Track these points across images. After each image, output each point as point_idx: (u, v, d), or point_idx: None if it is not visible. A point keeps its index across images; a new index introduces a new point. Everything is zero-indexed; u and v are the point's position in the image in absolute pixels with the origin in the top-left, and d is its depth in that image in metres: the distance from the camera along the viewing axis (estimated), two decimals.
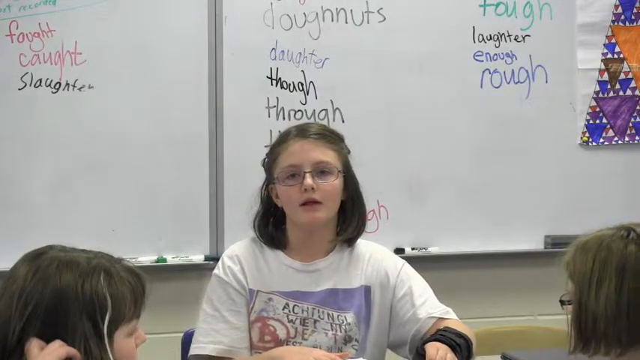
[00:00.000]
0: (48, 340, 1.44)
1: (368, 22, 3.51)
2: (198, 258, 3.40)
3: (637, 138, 3.73)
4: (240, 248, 2.28)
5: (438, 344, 2.06)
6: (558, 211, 3.65)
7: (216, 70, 3.40)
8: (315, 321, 2.20)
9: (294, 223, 2.23)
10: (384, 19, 3.52)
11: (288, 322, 2.19)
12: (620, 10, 3.69)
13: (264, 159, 2.28)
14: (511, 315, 3.60)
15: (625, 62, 3.70)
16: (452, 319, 2.23)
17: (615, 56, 3.69)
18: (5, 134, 3.29)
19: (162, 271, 3.36)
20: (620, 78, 3.69)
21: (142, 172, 3.36)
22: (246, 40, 3.42)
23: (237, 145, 3.41)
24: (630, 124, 3.72)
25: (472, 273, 3.65)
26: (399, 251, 3.39)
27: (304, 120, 3.43)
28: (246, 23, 3.42)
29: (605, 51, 3.69)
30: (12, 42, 3.28)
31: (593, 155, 3.70)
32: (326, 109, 3.49)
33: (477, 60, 3.60)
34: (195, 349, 2.20)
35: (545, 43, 3.64)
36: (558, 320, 3.29)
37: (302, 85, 3.47)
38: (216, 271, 2.26)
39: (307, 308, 2.21)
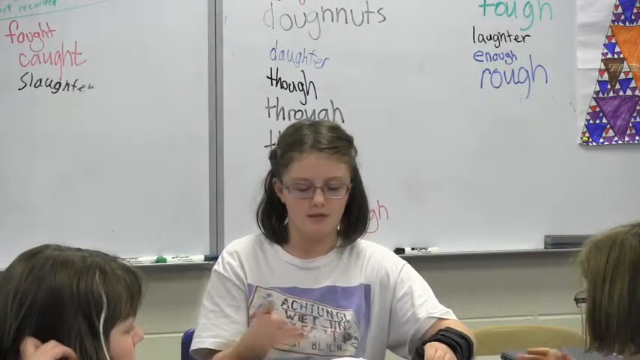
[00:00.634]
0: (44, 339, 1.44)
1: (368, 22, 3.51)
2: (198, 258, 3.40)
3: (637, 138, 3.73)
4: (239, 244, 2.30)
5: (437, 344, 2.06)
6: (558, 211, 3.65)
7: (216, 70, 3.40)
8: (315, 317, 2.20)
9: (298, 228, 2.24)
10: (384, 19, 3.52)
11: (287, 317, 2.19)
12: (620, 10, 3.69)
13: (273, 152, 2.26)
14: (511, 315, 3.60)
15: (625, 62, 3.70)
16: (452, 319, 2.23)
17: (615, 56, 3.69)
18: (5, 134, 3.29)
19: (162, 271, 3.37)
20: (620, 78, 3.69)
21: (142, 172, 3.36)
22: (246, 40, 3.42)
23: (237, 145, 3.41)
24: (630, 124, 3.72)
25: (472, 273, 3.65)
26: (399, 251, 3.38)
27: None
28: (246, 23, 3.42)
29: (605, 51, 3.68)
30: (12, 42, 3.28)
31: (593, 155, 3.70)
32: (326, 109, 3.49)
33: (476, 60, 3.60)
34: (195, 344, 2.22)
35: (545, 43, 3.64)
36: (558, 320, 3.30)
37: (302, 85, 3.47)
38: (215, 266, 2.28)
39: (306, 304, 2.21)
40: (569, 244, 3.52)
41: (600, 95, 3.68)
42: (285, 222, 2.29)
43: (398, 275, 2.26)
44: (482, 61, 3.60)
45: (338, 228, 2.28)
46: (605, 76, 3.68)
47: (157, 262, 3.37)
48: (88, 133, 3.33)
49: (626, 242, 1.65)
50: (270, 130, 3.41)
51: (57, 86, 3.31)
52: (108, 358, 1.47)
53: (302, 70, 3.47)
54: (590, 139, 3.69)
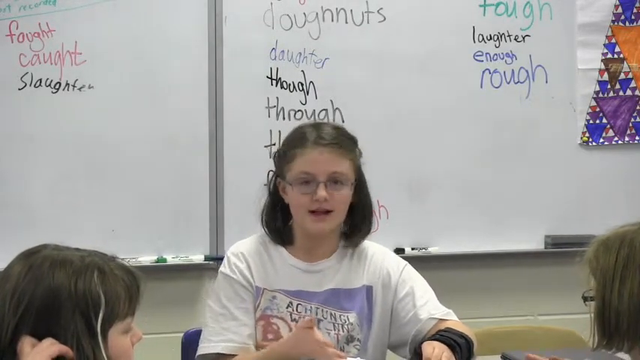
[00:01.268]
0: (41, 339, 1.44)
1: (368, 22, 3.51)
2: (198, 258, 3.39)
3: (637, 138, 3.73)
4: (244, 245, 2.29)
5: (435, 343, 2.06)
6: (558, 211, 3.65)
7: (216, 70, 3.40)
8: (319, 320, 2.20)
9: (300, 226, 2.24)
10: (384, 19, 3.52)
11: (292, 320, 2.20)
12: (620, 10, 3.69)
13: (277, 152, 2.27)
14: (511, 315, 3.60)
15: (625, 62, 3.70)
16: (453, 320, 2.22)
17: (615, 56, 3.69)
18: (5, 134, 3.28)
19: (162, 271, 3.36)
20: (620, 78, 3.69)
21: (142, 172, 3.36)
22: (246, 40, 3.42)
23: (237, 145, 3.41)
24: (630, 124, 3.72)
25: (472, 273, 3.65)
26: (399, 251, 3.38)
27: (304, 120, 3.43)
28: (246, 23, 3.42)
29: (605, 51, 3.69)
30: (12, 42, 3.28)
31: (593, 155, 3.70)
32: (326, 109, 3.49)
33: (477, 60, 3.60)
34: (205, 349, 2.20)
35: (545, 43, 3.64)
36: (558, 320, 3.30)
37: (302, 85, 3.47)
38: (222, 268, 2.26)
39: (311, 308, 2.21)
40: (569, 244, 3.53)
41: (600, 95, 3.68)
42: (290, 224, 2.28)
43: (399, 276, 2.26)
44: (482, 61, 3.60)
45: (341, 230, 2.27)
46: (605, 76, 3.68)
47: (157, 262, 3.37)
48: (88, 133, 3.33)
49: (636, 241, 1.65)
50: (270, 130, 3.42)
51: (57, 86, 3.31)
52: (105, 357, 1.46)
53: (302, 70, 3.47)
54: (590, 139, 3.69)
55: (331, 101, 3.49)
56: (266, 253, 2.26)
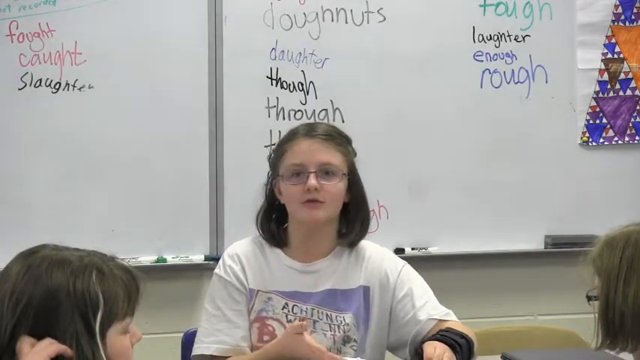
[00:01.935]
0: (40, 338, 1.44)
1: (368, 22, 3.51)
2: (198, 258, 3.40)
3: (637, 138, 3.73)
4: (240, 247, 2.28)
5: (436, 343, 2.05)
6: (558, 211, 3.65)
7: (216, 70, 3.40)
8: (315, 321, 2.20)
9: (295, 221, 2.23)
10: (384, 19, 3.52)
11: (287, 322, 2.19)
12: (620, 10, 3.69)
13: (270, 154, 2.28)
14: (511, 315, 3.60)
15: (625, 62, 3.70)
16: (453, 320, 2.22)
17: (615, 56, 3.69)
18: (5, 134, 3.29)
19: (162, 271, 3.37)
20: (620, 78, 3.69)
21: (142, 171, 3.36)
22: (246, 40, 3.42)
23: (237, 145, 3.41)
24: (630, 124, 3.72)
25: (472, 273, 3.65)
26: (399, 251, 3.39)
27: (304, 120, 3.44)
28: (246, 23, 3.42)
29: (605, 51, 3.69)
30: (12, 42, 3.28)
31: (593, 155, 3.70)
32: (326, 109, 3.49)
33: (477, 60, 3.60)
34: (198, 349, 2.21)
35: (545, 43, 3.64)
36: (558, 320, 3.30)
37: (302, 85, 3.47)
38: (217, 270, 2.26)
39: (306, 309, 2.21)
40: (569, 244, 3.53)
41: (600, 95, 3.68)
42: (285, 226, 2.27)
43: (398, 276, 2.25)
44: (482, 61, 3.60)
45: (337, 229, 2.27)
46: (605, 76, 3.68)
47: (157, 262, 3.37)
48: (88, 133, 3.33)
49: None
50: (270, 130, 3.42)
51: (57, 86, 3.31)
52: (104, 357, 1.46)
53: (302, 70, 3.47)
54: (590, 139, 3.69)
55: (331, 101, 3.49)
56: (262, 254, 2.26)
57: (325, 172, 2.17)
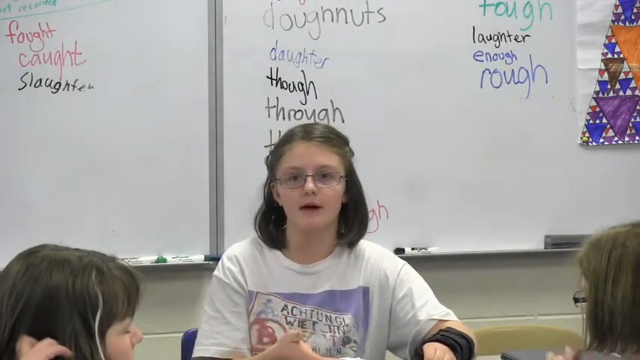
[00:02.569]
0: (39, 338, 1.44)
1: (368, 22, 3.51)
2: (198, 258, 3.40)
3: (637, 138, 3.73)
4: (239, 249, 2.28)
5: (437, 344, 2.05)
6: (558, 211, 3.65)
7: (216, 70, 3.40)
8: (314, 323, 2.20)
9: (293, 224, 2.23)
10: (384, 19, 3.52)
11: (287, 323, 2.19)
12: (620, 10, 3.69)
13: (268, 156, 2.28)
14: (511, 315, 3.60)
15: (625, 62, 3.70)
16: (453, 320, 2.22)
17: (615, 56, 3.69)
18: (5, 134, 3.29)
19: (162, 271, 3.37)
20: (620, 78, 3.69)
21: (142, 171, 3.36)
22: (246, 40, 3.42)
23: (237, 146, 3.41)
24: (630, 124, 3.72)
25: (472, 273, 3.65)
26: (399, 251, 3.39)
27: (304, 120, 3.44)
28: (246, 23, 3.42)
29: (605, 51, 3.69)
30: (12, 42, 3.28)
31: (593, 155, 3.70)
32: (326, 109, 3.49)
33: (477, 60, 3.60)
34: (198, 351, 2.20)
35: (545, 43, 3.64)
36: (558, 320, 3.30)
37: (302, 85, 3.47)
38: (216, 272, 2.26)
39: (306, 310, 2.20)
40: (569, 244, 3.52)
41: (600, 95, 3.68)
42: (283, 227, 2.27)
43: (397, 276, 2.24)
44: (482, 61, 3.60)
45: (336, 230, 2.26)
46: (605, 76, 3.68)
47: (157, 262, 3.37)
48: (88, 133, 3.33)
49: (628, 242, 1.65)
50: (270, 130, 3.42)
51: (57, 86, 3.31)
52: (103, 357, 1.46)
53: (302, 70, 3.47)
54: (590, 139, 3.69)
55: (331, 101, 3.49)
56: (261, 255, 2.25)
57: (323, 174, 2.16)
